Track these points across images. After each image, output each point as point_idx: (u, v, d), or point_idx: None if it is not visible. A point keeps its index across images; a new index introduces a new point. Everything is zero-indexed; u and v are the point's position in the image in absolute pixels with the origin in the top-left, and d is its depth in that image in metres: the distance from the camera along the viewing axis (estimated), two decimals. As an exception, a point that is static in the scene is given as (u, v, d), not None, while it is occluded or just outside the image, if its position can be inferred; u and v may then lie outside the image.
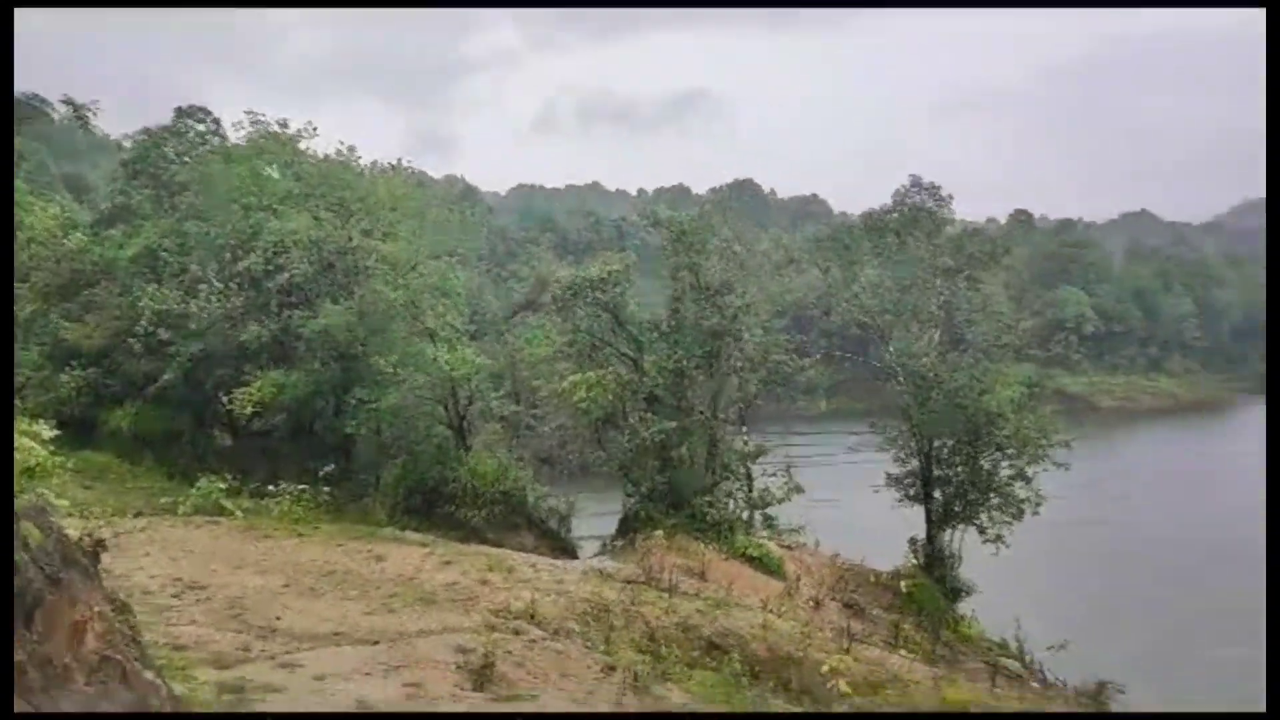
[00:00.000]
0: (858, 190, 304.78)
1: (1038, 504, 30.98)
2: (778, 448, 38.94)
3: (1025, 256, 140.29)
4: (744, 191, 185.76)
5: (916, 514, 32.58)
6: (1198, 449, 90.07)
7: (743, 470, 32.99)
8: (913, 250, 33.74)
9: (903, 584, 29.57)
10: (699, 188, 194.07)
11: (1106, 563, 48.52)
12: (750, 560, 29.34)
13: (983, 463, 31.12)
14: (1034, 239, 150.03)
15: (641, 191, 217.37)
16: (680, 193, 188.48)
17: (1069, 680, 26.79)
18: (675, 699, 16.12)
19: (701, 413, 31.59)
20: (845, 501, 44.12)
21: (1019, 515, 30.72)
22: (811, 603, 27.32)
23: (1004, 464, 31.02)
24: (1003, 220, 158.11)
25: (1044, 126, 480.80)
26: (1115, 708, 24.56)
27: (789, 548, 31.48)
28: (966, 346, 33.73)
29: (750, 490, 33.06)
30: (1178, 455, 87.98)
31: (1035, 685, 25.59)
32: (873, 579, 30.18)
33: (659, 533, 28.65)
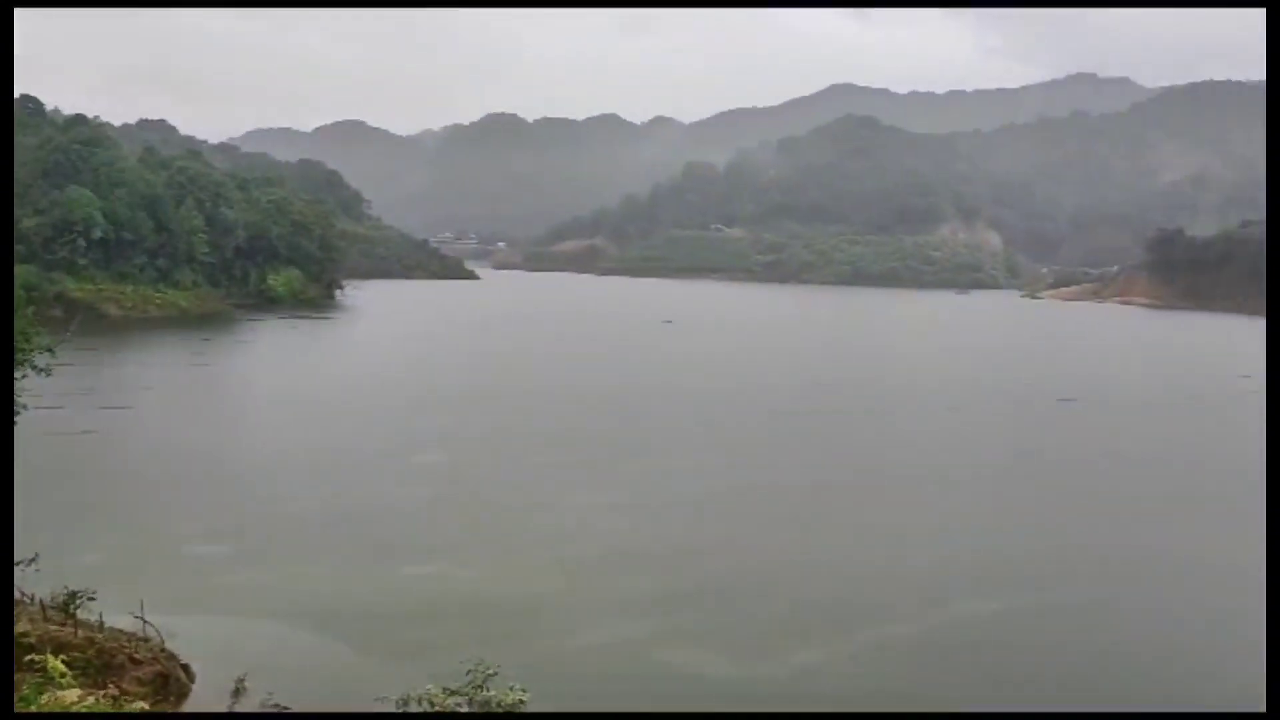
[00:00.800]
0: None
1: (18, 412, 28.89)
2: None
3: (32, 148, 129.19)
4: None
5: None
6: (200, 360, 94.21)
7: None
8: None
9: None
10: None
11: (90, 474, 47.79)
12: None
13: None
14: (43, 131, 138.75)
15: None
16: None
17: (41, 594, 25.97)
18: None
19: None
20: None
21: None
22: None
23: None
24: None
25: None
26: (83, 614, 24.56)
27: None
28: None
29: None
30: (182, 366, 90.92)
31: (-1, 604, 24.11)
32: None
33: None
